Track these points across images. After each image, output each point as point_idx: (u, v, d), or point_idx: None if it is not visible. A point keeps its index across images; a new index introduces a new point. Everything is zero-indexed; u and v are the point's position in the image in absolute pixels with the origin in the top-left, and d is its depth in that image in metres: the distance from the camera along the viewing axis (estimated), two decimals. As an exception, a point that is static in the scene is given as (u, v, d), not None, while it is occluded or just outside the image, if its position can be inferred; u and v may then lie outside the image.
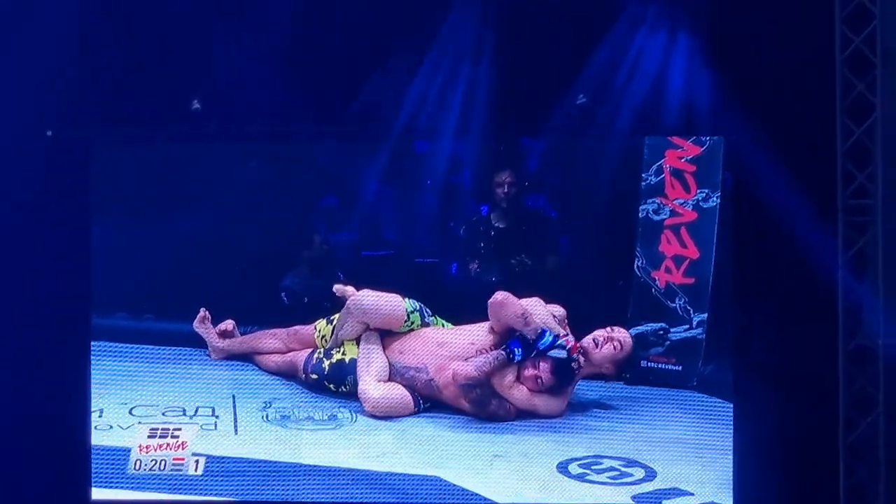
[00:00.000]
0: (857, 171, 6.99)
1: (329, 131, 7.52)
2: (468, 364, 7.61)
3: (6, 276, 7.55)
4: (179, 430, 7.44)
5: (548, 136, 7.63)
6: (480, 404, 7.61)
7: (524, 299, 7.69)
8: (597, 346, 7.69)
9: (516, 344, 7.60)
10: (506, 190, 7.95)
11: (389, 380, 7.76)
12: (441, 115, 7.29)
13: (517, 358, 7.60)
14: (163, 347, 7.96)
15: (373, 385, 7.72)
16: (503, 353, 7.60)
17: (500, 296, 7.63)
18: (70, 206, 7.58)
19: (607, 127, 7.19)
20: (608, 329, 7.74)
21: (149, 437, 7.40)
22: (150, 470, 7.38)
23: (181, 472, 7.40)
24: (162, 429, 7.46)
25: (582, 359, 7.64)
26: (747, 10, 7.01)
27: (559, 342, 7.62)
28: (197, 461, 7.38)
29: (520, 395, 7.63)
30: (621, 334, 7.75)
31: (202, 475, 7.41)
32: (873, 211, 7.01)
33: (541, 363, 7.61)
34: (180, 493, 7.38)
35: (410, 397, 7.70)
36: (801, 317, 7.11)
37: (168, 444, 7.38)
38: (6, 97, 7.40)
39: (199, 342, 8.03)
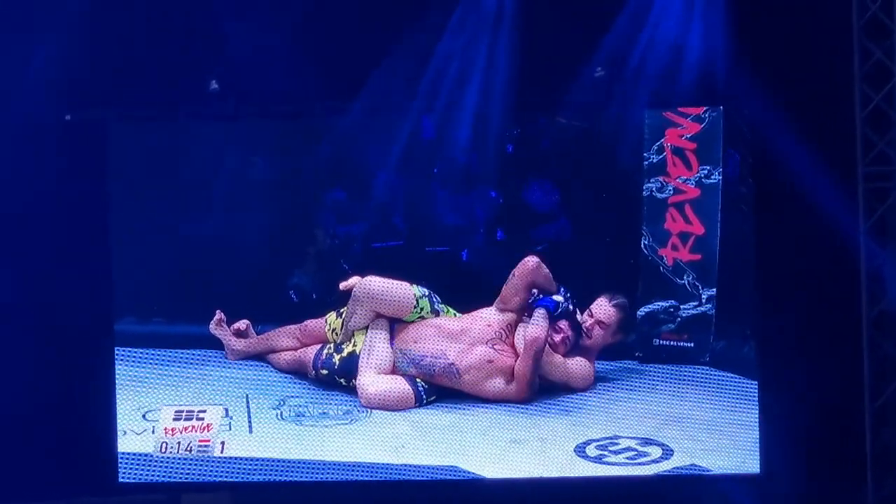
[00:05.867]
0: (876, 137, 6.98)
1: (346, 108, 7.50)
2: (531, 328, 7.55)
3: (23, 271, 7.50)
4: (204, 411, 7.42)
5: (564, 113, 7.63)
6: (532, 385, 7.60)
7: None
8: (588, 335, 7.71)
9: (546, 301, 7.59)
10: None
11: (398, 371, 7.70)
12: (452, 96, 7.28)
13: (553, 310, 7.59)
14: (172, 350, 7.88)
15: (370, 378, 7.66)
16: (542, 310, 7.58)
17: (534, 259, 7.61)
18: (89, 197, 7.58)
19: (624, 99, 7.17)
20: (587, 313, 7.74)
21: (174, 419, 7.37)
22: (177, 452, 7.39)
23: (207, 454, 7.42)
24: (187, 411, 7.45)
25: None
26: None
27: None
28: (223, 442, 7.36)
29: (556, 362, 7.61)
30: (601, 311, 7.73)
31: (227, 456, 7.45)
32: (894, 177, 7.01)
33: (560, 325, 7.62)
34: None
35: (412, 392, 7.63)
36: (823, 285, 7.09)
37: (193, 427, 7.37)
38: (22, 82, 7.37)
39: (210, 344, 7.97)
